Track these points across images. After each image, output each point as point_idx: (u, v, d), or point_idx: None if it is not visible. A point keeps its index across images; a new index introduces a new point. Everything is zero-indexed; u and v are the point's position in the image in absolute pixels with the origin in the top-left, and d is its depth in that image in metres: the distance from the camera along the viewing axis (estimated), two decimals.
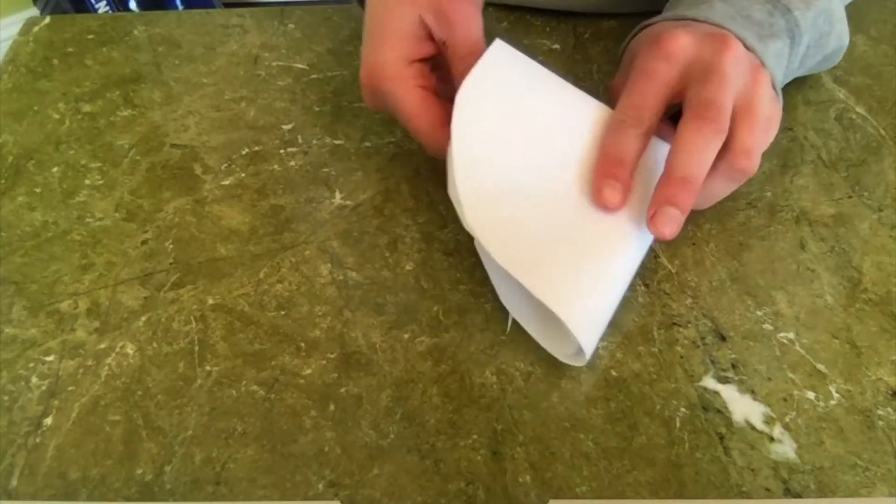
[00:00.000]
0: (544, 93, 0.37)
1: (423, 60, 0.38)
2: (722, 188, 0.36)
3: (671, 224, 0.33)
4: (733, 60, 0.34)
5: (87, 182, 0.44)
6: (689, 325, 0.36)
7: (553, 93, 0.37)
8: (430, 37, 0.37)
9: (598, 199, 0.34)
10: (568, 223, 0.34)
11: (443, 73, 0.39)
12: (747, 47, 0.35)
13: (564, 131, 0.36)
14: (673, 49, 0.35)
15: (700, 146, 0.33)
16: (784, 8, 0.37)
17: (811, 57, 0.41)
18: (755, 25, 0.37)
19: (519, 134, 0.36)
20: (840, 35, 0.42)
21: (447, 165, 0.35)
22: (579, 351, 0.33)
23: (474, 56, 0.36)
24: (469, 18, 0.37)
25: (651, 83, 0.35)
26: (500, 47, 0.36)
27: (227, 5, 1.39)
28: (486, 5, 0.54)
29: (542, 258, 0.33)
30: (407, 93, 0.37)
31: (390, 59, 0.37)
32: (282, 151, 0.45)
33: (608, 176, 0.34)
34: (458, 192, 0.34)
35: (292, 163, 0.44)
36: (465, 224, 0.35)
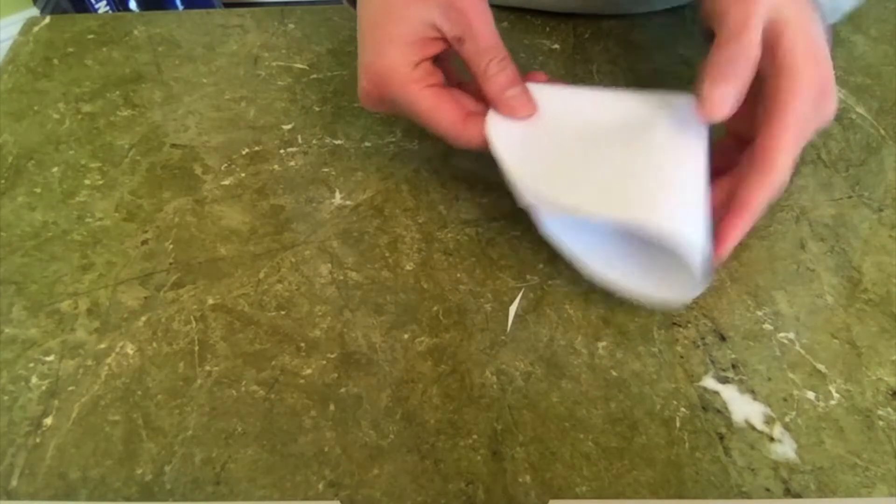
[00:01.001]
0: (576, 88, 0.38)
1: (427, 60, 0.37)
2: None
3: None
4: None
5: (87, 182, 0.44)
6: (689, 325, 0.36)
7: (586, 89, 0.38)
8: (438, 37, 0.37)
9: (721, 250, 0.33)
10: (629, 154, 0.34)
11: (445, 65, 0.39)
12: None
13: (602, 108, 0.37)
14: (826, 116, 0.34)
15: (770, 196, 0.33)
16: None
17: None
18: None
19: (556, 109, 0.37)
20: None
21: (493, 155, 0.36)
22: (690, 281, 0.32)
23: (496, 49, 0.35)
24: (486, 13, 0.36)
25: (800, 145, 0.34)
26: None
27: (227, 5, 1.40)
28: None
29: (626, 192, 0.33)
30: (420, 96, 0.36)
31: (398, 64, 0.36)
32: (282, 151, 0.45)
33: (741, 234, 0.34)
34: (512, 175, 0.34)
35: (292, 163, 0.44)
36: (526, 203, 0.34)
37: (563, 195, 0.33)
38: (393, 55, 0.36)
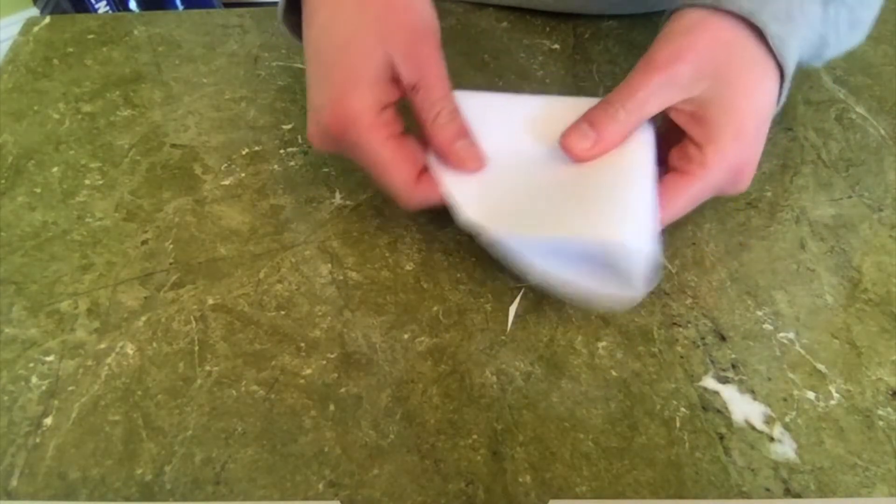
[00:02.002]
0: (516, 105, 0.38)
1: (390, 105, 0.35)
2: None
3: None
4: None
5: (87, 182, 0.44)
6: (689, 325, 0.36)
7: (524, 102, 0.38)
8: (396, 80, 0.35)
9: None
10: (567, 170, 0.35)
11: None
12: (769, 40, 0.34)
13: (540, 123, 0.37)
14: (741, 187, 0.36)
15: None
16: (823, 43, 0.37)
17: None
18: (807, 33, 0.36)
19: (497, 134, 0.37)
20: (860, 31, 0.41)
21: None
22: (639, 276, 0.32)
23: (448, 100, 0.35)
24: (440, 63, 0.35)
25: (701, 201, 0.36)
26: (462, 96, 0.37)
27: (227, 5, 1.39)
28: (486, 5, 0.55)
29: (558, 207, 0.34)
30: (382, 145, 0.34)
31: (363, 106, 0.34)
32: (282, 151, 0.45)
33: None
34: (452, 193, 0.34)
35: (292, 163, 0.44)
36: (464, 222, 0.34)
37: (520, 225, 0.33)
38: (360, 97, 0.34)
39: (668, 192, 0.34)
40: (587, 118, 0.35)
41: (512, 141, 0.37)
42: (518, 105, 0.38)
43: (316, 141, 0.36)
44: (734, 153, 0.34)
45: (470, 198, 0.35)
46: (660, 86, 0.34)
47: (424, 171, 0.36)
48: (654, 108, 0.34)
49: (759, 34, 0.34)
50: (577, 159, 0.35)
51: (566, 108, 0.37)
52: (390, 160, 0.34)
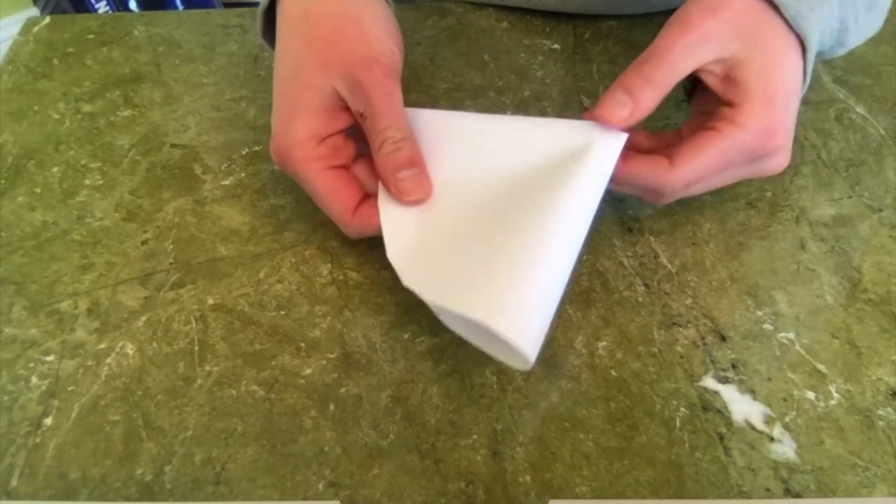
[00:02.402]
0: (460, 133, 0.37)
1: (336, 133, 0.36)
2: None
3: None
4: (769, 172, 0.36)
5: (87, 182, 0.44)
6: (689, 325, 0.36)
7: (486, 125, 0.37)
8: (345, 107, 0.35)
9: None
10: (488, 240, 0.33)
11: (362, 139, 0.36)
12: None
13: (482, 158, 0.36)
14: (765, 151, 0.35)
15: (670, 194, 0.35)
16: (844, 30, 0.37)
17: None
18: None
19: (449, 159, 0.36)
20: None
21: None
22: (524, 352, 0.30)
23: (395, 129, 0.34)
24: (388, 90, 0.34)
25: (726, 177, 0.36)
26: (413, 114, 0.36)
27: (227, 5, 1.39)
28: (486, 5, 0.55)
29: (470, 276, 0.32)
30: (317, 176, 0.35)
31: (299, 139, 0.34)
32: None
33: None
34: (384, 228, 0.35)
35: None
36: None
37: (428, 286, 0.32)
38: (298, 128, 0.35)
39: (696, 147, 0.33)
40: (621, 84, 0.33)
41: (462, 167, 0.36)
42: (479, 127, 0.37)
43: (276, 164, 0.37)
44: (767, 115, 0.33)
45: (398, 237, 0.34)
46: (694, 43, 0.33)
47: (366, 199, 0.36)
48: (689, 66, 0.34)
49: (775, 8, 0.33)
50: (617, 127, 0.33)
51: (528, 131, 0.36)
52: (326, 191, 0.35)
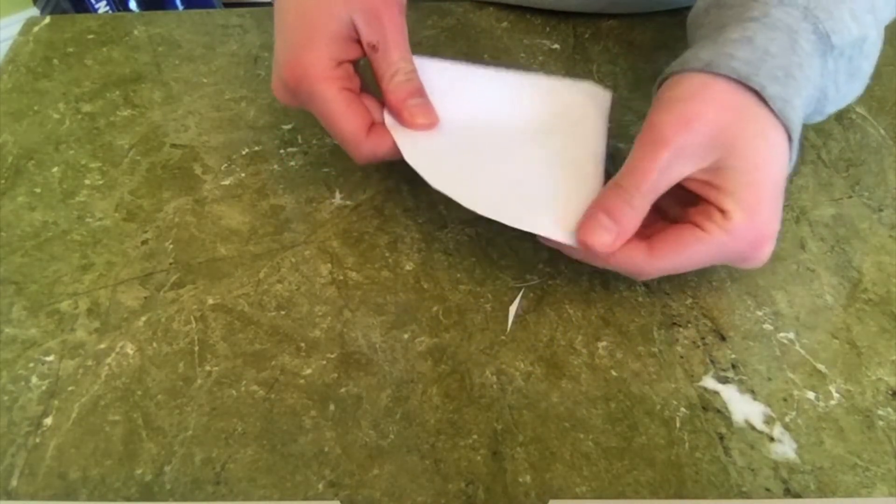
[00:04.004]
0: (476, 77, 0.41)
1: (349, 62, 0.37)
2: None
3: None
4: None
5: (87, 182, 0.44)
6: (689, 325, 0.36)
7: (485, 75, 0.41)
8: (357, 40, 0.37)
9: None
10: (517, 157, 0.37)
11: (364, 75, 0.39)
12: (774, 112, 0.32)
13: (498, 97, 0.39)
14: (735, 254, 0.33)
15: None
16: (823, 97, 0.35)
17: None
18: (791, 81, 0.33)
19: (452, 103, 0.39)
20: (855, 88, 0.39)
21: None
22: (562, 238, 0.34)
23: (406, 61, 0.37)
24: (401, 26, 0.37)
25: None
26: (424, 63, 0.39)
27: (227, 5, 1.40)
28: (487, 5, 0.55)
29: (496, 186, 0.36)
30: (335, 95, 0.36)
31: (320, 58, 0.36)
32: (282, 151, 0.45)
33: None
34: (400, 141, 0.37)
35: (292, 163, 0.44)
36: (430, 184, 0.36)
37: (465, 195, 0.35)
38: (318, 48, 0.36)
39: (679, 243, 0.32)
40: (602, 207, 0.32)
41: (465, 111, 0.39)
42: (478, 77, 0.40)
43: (278, 94, 0.38)
44: (757, 224, 0.32)
45: (416, 147, 0.36)
46: (670, 161, 0.31)
47: (375, 125, 0.38)
48: (669, 183, 0.32)
49: (760, 97, 0.32)
50: (601, 253, 0.33)
51: (525, 86, 0.39)
52: (341, 110, 0.36)
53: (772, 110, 0.32)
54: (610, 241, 0.32)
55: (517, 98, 0.39)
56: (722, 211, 0.31)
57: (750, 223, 0.31)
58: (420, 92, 0.37)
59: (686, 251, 0.32)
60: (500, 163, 0.37)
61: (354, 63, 0.38)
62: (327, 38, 0.36)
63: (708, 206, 0.32)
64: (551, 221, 0.34)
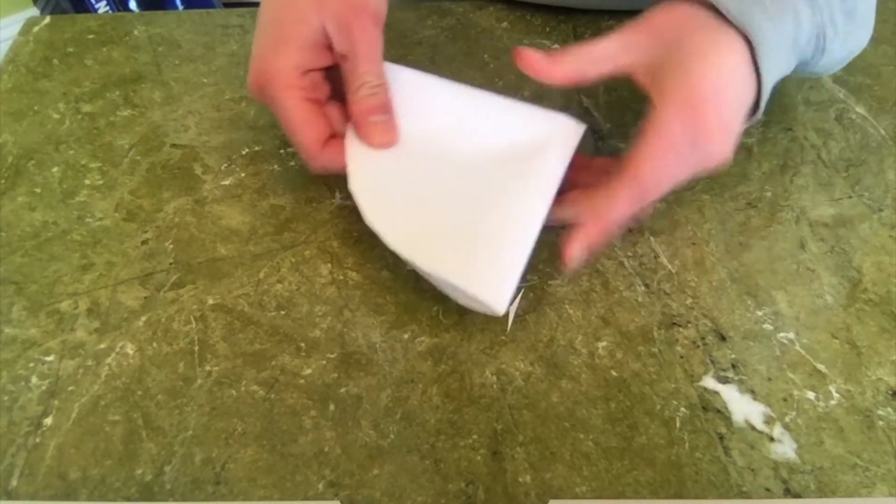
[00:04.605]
0: (447, 94, 0.39)
1: (317, 70, 0.37)
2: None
3: (581, 258, 0.34)
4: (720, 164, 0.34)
5: (87, 182, 0.44)
6: (689, 325, 0.36)
7: (457, 94, 0.39)
8: (330, 47, 0.37)
9: (568, 253, 0.34)
10: (458, 204, 0.36)
11: (336, 83, 0.38)
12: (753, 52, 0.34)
13: (463, 117, 0.38)
14: (701, 134, 0.33)
15: (629, 210, 0.34)
16: (819, 47, 0.36)
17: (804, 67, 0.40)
18: (791, 52, 0.35)
19: (416, 118, 0.38)
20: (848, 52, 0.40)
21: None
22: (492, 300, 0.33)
23: (374, 74, 0.36)
24: (372, 37, 0.36)
25: (677, 165, 0.34)
26: (392, 69, 0.38)
27: (227, 5, 1.39)
28: (487, 5, 0.55)
29: (435, 233, 0.35)
30: (295, 104, 0.36)
31: (285, 66, 0.36)
32: (282, 151, 0.45)
33: (592, 243, 0.34)
34: (350, 161, 0.36)
35: (292, 163, 0.44)
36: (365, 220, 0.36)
37: (396, 238, 0.35)
38: (285, 55, 0.36)
39: (630, 159, 0.33)
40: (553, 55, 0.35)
41: (427, 128, 0.38)
42: (450, 94, 0.39)
43: (251, 94, 0.38)
44: (687, 113, 0.33)
45: (362, 175, 0.36)
46: (616, 49, 0.35)
47: (334, 137, 0.38)
48: (609, 67, 0.35)
49: (718, 12, 0.34)
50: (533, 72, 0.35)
51: (496, 109, 0.38)
52: (299, 120, 0.36)
53: (729, 22, 0.33)
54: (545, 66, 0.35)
55: (484, 121, 0.38)
56: (654, 107, 0.33)
57: (680, 110, 0.33)
58: (384, 108, 0.37)
59: (635, 164, 0.33)
60: (440, 201, 0.36)
61: (327, 69, 0.38)
62: (296, 46, 0.36)
63: (650, 110, 0.34)
64: (468, 276, 0.33)
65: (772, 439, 0.32)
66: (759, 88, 0.34)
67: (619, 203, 0.33)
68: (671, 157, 0.33)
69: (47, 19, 0.56)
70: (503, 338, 0.35)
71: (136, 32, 0.55)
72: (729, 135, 0.34)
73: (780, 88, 0.46)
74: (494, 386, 0.34)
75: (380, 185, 0.36)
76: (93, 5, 1.58)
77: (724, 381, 0.34)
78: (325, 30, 0.36)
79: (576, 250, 0.33)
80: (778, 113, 0.46)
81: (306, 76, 0.36)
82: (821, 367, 0.34)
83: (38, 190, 0.43)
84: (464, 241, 0.34)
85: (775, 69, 0.35)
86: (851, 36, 0.39)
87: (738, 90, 0.34)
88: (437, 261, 0.34)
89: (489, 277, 0.33)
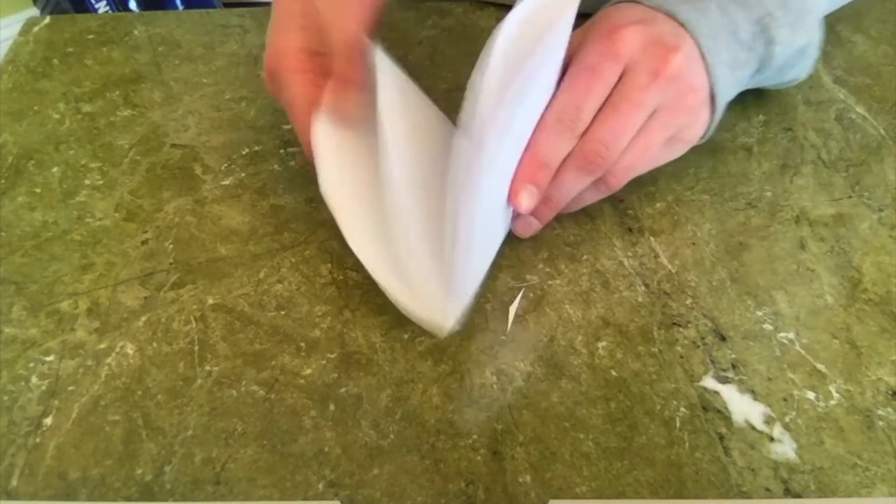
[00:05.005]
0: (405, 111, 0.37)
1: (326, 56, 0.37)
2: (575, 180, 0.35)
3: (531, 200, 0.34)
4: (665, 81, 0.34)
5: (87, 182, 0.44)
6: (689, 325, 0.36)
7: (416, 112, 0.38)
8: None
9: (514, 200, 0.34)
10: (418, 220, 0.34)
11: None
12: (703, 56, 0.35)
13: (418, 147, 0.36)
14: (622, 50, 0.34)
15: (557, 141, 0.34)
16: (769, 39, 0.36)
17: (765, 80, 0.41)
18: (735, 45, 0.36)
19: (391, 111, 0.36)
20: (801, 69, 0.41)
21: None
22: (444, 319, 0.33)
23: (351, 83, 0.35)
24: (350, 41, 0.35)
25: (597, 83, 0.34)
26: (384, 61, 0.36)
27: (227, 5, 1.39)
28: (487, 5, 0.55)
29: (387, 242, 0.34)
30: (301, 85, 0.36)
31: (293, 47, 0.36)
32: (282, 151, 0.45)
33: (530, 180, 0.34)
34: (327, 196, 0.36)
35: (292, 163, 0.44)
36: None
37: (347, 226, 0.35)
38: (294, 38, 0.36)
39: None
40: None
41: (396, 128, 0.36)
42: (421, 105, 0.38)
43: (267, 88, 0.38)
44: (605, 39, 0.34)
45: (333, 166, 0.36)
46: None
47: None
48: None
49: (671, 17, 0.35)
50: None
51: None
52: (306, 101, 0.36)
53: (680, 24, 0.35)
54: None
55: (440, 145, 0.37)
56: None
57: (596, 45, 0.35)
58: (362, 84, 0.35)
59: (559, 91, 0.34)
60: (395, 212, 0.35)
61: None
62: (303, 28, 0.36)
63: None
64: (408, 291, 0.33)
65: (772, 439, 0.32)
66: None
67: (543, 134, 0.33)
68: (589, 79, 0.34)
69: (47, 19, 0.56)
70: (503, 338, 0.35)
71: (136, 32, 0.55)
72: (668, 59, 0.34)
73: (780, 88, 0.46)
74: (494, 386, 0.34)
75: (347, 187, 0.36)
76: (93, 5, 1.58)
77: (724, 381, 0.34)
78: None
79: (520, 197, 0.33)
80: (778, 113, 0.46)
81: (315, 58, 0.36)
82: (821, 367, 0.34)
83: (38, 190, 0.43)
84: (410, 252, 0.34)
85: (718, 53, 0.35)
86: (801, 24, 0.38)
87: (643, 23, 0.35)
88: (382, 271, 0.34)
89: (431, 295, 0.33)
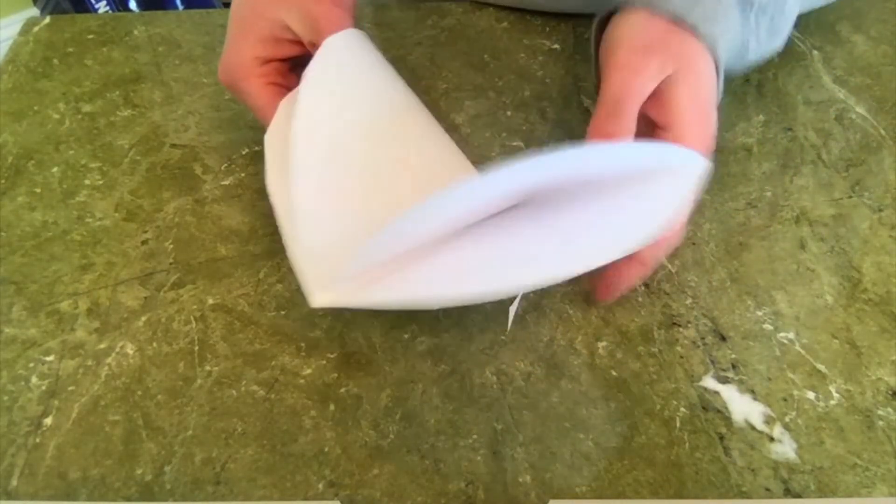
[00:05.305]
0: (373, 91, 0.38)
1: (283, 60, 0.39)
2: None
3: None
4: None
5: (87, 182, 0.44)
6: (689, 325, 0.36)
7: (382, 92, 0.38)
8: (292, 40, 0.38)
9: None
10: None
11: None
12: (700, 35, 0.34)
13: (385, 129, 0.37)
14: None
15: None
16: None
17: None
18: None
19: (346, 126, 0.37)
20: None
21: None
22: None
23: None
24: (339, 22, 0.37)
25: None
26: (345, 36, 0.37)
27: (227, 5, 1.39)
28: (487, 5, 0.55)
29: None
30: (256, 89, 0.38)
31: (245, 58, 0.38)
32: None
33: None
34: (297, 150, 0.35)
35: None
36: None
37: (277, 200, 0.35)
38: (244, 50, 0.38)
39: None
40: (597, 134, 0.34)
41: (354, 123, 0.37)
42: (397, 93, 0.39)
43: (222, 82, 0.40)
44: (699, 131, 0.34)
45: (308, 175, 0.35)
46: (640, 86, 0.33)
47: None
48: (637, 104, 0.34)
49: (693, 34, 0.34)
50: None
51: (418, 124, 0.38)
52: (263, 102, 0.38)
53: (703, 44, 0.34)
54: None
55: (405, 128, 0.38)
56: (666, 127, 0.33)
57: (695, 128, 0.34)
58: None
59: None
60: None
61: (291, 61, 0.39)
62: (255, 40, 0.38)
63: (655, 131, 0.34)
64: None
65: (772, 439, 0.32)
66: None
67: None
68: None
69: (47, 19, 0.56)
70: (503, 338, 0.35)
71: (136, 32, 0.55)
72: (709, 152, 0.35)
73: (780, 88, 0.46)
74: (494, 386, 0.34)
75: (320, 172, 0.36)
76: (93, 5, 1.58)
77: (724, 381, 0.34)
78: (284, 23, 0.38)
79: (612, 292, 0.35)
80: (778, 113, 0.46)
81: (267, 65, 0.38)
82: (821, 367, 0.34)
83: (38, 190, 0.43)
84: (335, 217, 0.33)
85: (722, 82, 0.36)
86: (769, 47, 0.40)
87: (715, 109, 0.35)
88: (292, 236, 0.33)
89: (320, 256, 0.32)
